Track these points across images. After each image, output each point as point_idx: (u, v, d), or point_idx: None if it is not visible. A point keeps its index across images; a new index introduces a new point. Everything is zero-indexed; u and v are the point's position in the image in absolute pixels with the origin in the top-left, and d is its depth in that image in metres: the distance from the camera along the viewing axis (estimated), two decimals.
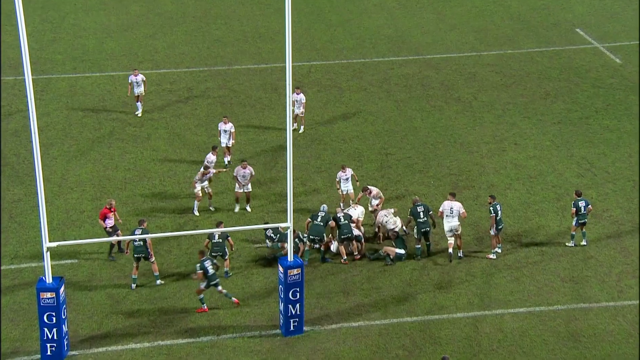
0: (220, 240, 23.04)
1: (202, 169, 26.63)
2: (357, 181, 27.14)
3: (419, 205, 24.45)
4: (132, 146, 30.90)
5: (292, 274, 20.58)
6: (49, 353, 19.82)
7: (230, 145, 29.46)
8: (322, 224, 24.03)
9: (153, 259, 22.70)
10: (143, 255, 22.51)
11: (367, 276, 23.55)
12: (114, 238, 23.50)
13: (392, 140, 31.93)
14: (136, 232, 22.65)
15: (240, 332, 21.13)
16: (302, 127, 32.39)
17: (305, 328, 21.17)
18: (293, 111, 31.56)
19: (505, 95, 35.58)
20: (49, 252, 19.61)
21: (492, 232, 24.10)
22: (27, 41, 18.38)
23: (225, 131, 29.31)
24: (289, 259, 20.69)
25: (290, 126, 20.12)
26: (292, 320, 20.91)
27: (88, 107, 34.13)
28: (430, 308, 22.20)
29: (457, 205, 24.17)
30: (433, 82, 37.08)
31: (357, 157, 30.54)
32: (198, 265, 21.63)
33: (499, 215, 23.93)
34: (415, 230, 24.37)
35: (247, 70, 38.43)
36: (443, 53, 40.38)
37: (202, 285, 21.63)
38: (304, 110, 32.09)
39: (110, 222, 23.90)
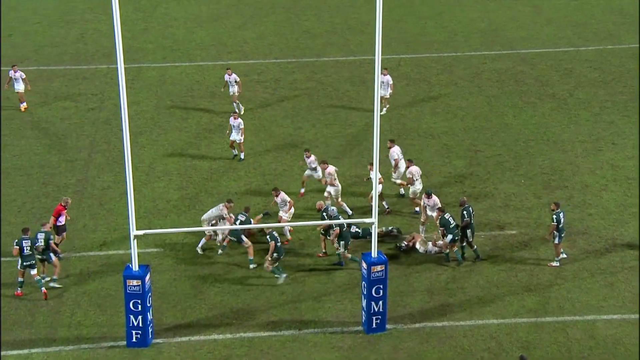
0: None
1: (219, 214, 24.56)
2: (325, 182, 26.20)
3: (469, 207, 23.81)
4: (218, 137, 31.41)
5: (375, 270, 20.56)
6: (134, 340, 20.39)
7: (240, 142, 29.15)
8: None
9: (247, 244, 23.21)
10: (236, 240, 23.07)
11: (452, 275, 23.34)
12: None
13: (482, 136, 31.51)
14: (239, 217, 23.34)
15: (322, 327, 21.26)
16: (384, 109, 32.61)
17: (387, 326, 21.13)
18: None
19: (603, 93, 34.63)
20: (136, 240, 20.17)
21: (556, 241, 23.37)
22: (120, 30, 18.90)
23: (234, 126, 29.13)
24: (372, 255, 20.68)
25: (378, 123, 20.01)
26: (374, 318, 20.91)
27: (176, 97, 34.88)
28: (517, 311, 21.85)
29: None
30: (527, 78, 36.41)
31: (446, 153, 30.27)
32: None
33: (562, 223, 23.22)
34: (469, 233, 23.60)
35: (335, 62, 38.53)
36: (538, 48, 39.60)
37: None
38: (391, 92, 32.44)
39: (62, 220, 23.93)
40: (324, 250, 23.97)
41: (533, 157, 29.85)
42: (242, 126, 29.23)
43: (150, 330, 20.55)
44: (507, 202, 27.04)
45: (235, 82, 32.56)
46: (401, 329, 21.22)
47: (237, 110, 31.97)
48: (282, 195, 24.98)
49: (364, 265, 20.71)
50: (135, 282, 19.98)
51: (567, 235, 24.54)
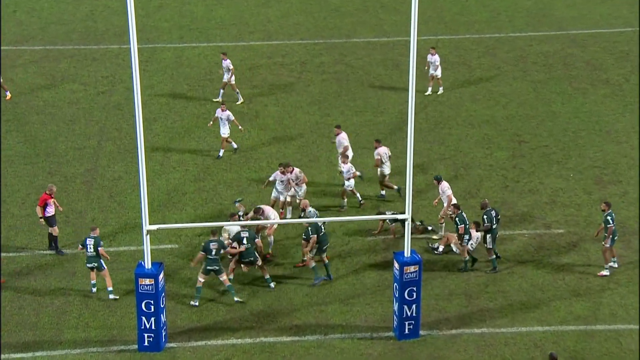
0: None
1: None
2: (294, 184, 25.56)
3: (491, 210, 23.49)
4: (239, 124, 31.45)
5: (408, 271, 20.52)
6: (146, 344, 20.53)
7: (226, 137, 28.76)
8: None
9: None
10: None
11: (492, 278, 23.25)
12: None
13: (526, 126, 31.32)
14: (242, 234, 22.51)
15: (350, 332, 21.28)
16: (440, 88, 33.29)
17: (421, 332, 21.10)
18: (427, 72, 33.11)
19: None
20: (149, 236, 20.28)
21: (607, 245, 23.04)
22: (134, 7, 18.96)
23: (222, 119, 28.71)
24: (405, 254, 20.63)
25: (412, 109, 19.91)
26: (407, 323, 20.88)
27: (194, 80, 35.01)
28: (565, 317, 21.72)
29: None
30: (577, 62, 36.13)
31: (486, 144, 30.13)
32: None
33: (614, 225, 22.87)
34: (489, 239, 23.32)
35: (366, 43, 38.45)
36: (590, 28, 39.26)
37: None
38: (440, 73, 33.03)
39: (50, 210, 23.96)
40: (304, 259, 23.37)
41: (583, 149, 29.62)
42: (231, 118, 28.76)
43: (163, 334, 20.67)
44: (554, 198, 26.87)
45: (229, 69, 32.21)
46: (436, 336, 21.17)
47: (221, 98, 32.04)
48: (296, 170, 25.18)
49: (396, 265, 20.67)
50: (147, 281, 20.11)
51: (621, 236, 24.33)
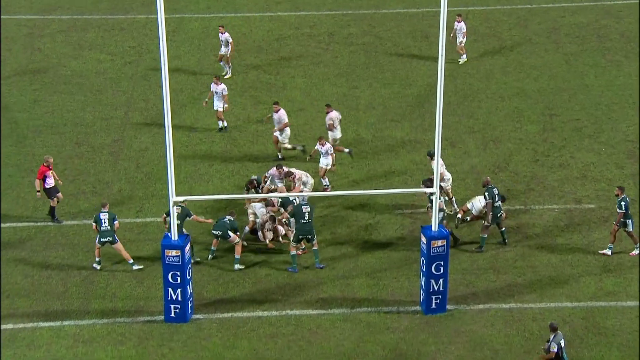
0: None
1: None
2: (333, 165, 25.55)
3: (493, 188, 23.15)
4: (265, 95, 31.44)
5: (435, 245, 20.45)
6: (172, 315, 20.67)
7: (223, 110, 28.49)
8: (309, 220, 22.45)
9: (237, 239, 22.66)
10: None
11: (520, 253, 23.13)
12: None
13: (558, 99, 31.01)
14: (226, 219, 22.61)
15: (376, 306, 21.29)
16: (463, 56, 33.07)
17: (448, 306, 21.07)
18: (454, 40, 32.99)
19: None
20: (175, 207, 20.35)
21: (629, 229, 22.72)
22: None
23: (217, 93, 28.40)
24: (433, 229, 20.55)
25: (441, 81, 19.70)
26: (434, 297, 20.85)
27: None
28: (594, 293, 21.58)
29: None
30: (611, 33, 35.63)
31: (517, 117, 29.88)
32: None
33: (628, 209, 22.61)
34: (490, 217, 22.93)
35: (395, 15, 38.15)
36: None
37: None
38: (464, 40, 32.88)
39: (50, 182, 24.00)
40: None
41: (616, 123, 29.29)
42: (225, 92, 28.47)
43: (189, 305, 20.80)
44: (585, 172, 26.62)
45: (228, 42, 31.90)
46: (463, 310, 21.14)
47: (225, 71, 31.84)
48: (327, 145, 25.28)
49: (424, 239, 20.61)
50: (174, 253, 20.20)
51: None
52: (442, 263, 20.61)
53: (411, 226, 24.13)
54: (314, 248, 22.67)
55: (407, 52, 34.65)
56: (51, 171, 24.18)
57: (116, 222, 22.39)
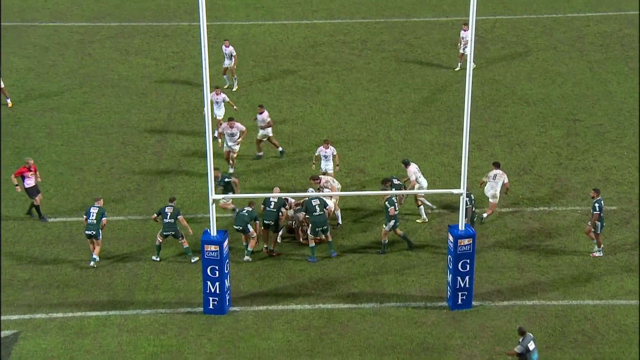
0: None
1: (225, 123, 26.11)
2: (337, 165, 25.28)
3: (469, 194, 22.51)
4: (301, 99, 31.44)
5: (462, 244, 20.33)
6: (211, 307, 20.74)
7: (220, 118, 27.78)
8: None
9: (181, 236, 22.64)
10: (172, 232, 22.49)
11: (544, 252, 22.91)
12: None
13: (582, 105, 30.66)
14: (166, 209, 22.59)
15: (404, 301, 21.20)
16: (470, 64, 32.36)
17: (473, 302, 20.93)
18: (460, 48, 32.82)
19: None
20: (214, 205, 20.42)
21: (598, 231, 22.35)
22: None
23: (217, 102, 27.96)
24: (460, 228, 20.42)
25: (469, 86, 19.60)
26: (460, 293, 20.73)
27: (259, 57, 35.00)
28: (615, 292, 21.31)
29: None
30: (634, 42, 35.19)
31: (541, 121, 29.59)
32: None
33: (602, 211, 22.25)
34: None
35: (425, 23, 37.97)
36: None
37: None
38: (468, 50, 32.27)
39: (30, 182, 23.96)
40: (266, 246, 23.00)
41: (638, 128, 28.89)
42: (227, 100, 28.13)
43: (227, 298, 20.86)
44: (607, 175, 26.30)
45: (232, 55, 31.38)
46: (488, 307, 20.97)
47: (230, 84, 31.52)
48: (332, 148, 25.14)
49: (451, 238, 20.48)
50: (213, 248, 20.27)
51: None
52: (468, 261, 20.47)
53: (438, 225, 24.00)
54: (329, 240, 22.69)
55: (436, 59, 34.46)
56: (32, 172, 24.15)
57: (104, 219, 22.41)
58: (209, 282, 20.53)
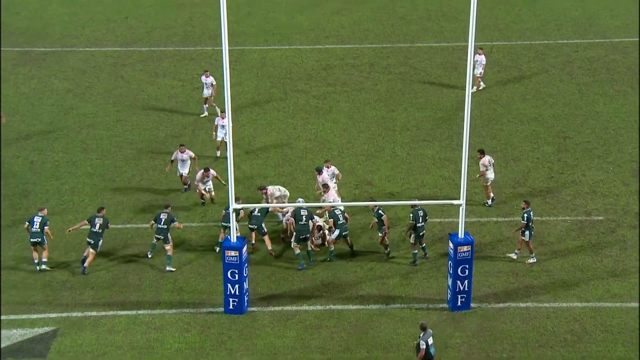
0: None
1: (201, 171, 25.31)
2: (336, 182, 24.82)
3: (419, 210, 22.29)
4: (314, 117, 31.50)
5: (462, 250, 20.29)
6: (231, 307, 20.75)
7: (224, 140, 27.43)
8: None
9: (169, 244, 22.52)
10: (162, 237, 22.38)
11: (537, 259, 22.79)
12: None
13: (571, 123, 30.60)
14: (161, 216, 22.43)
15: (408, 303, 21.15)
16: (481, 85, 32.74)
17: (472, 304, 20.87)
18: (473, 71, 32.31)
19: None
20: (235, 213, 20.45)
21: (526, 239, 22.21)
22: (226, 14, 19.07)
23: (221, 127, 27.69)
24: (459, 236, 20.38)
25: (468, 107, 19.62)
26: (459, 296, 20.67)
27: (275, 78, 35.10)
28: (602, 295, 21.21)
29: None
30: (619, 67, 35.11)
31: (534, 139, 29.53)
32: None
33: (531, 221, 22.13)
34: (413, 235, 22.27)
35: (428, 48, 38.01)
36: (632, 37, 38.07)
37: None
38: (482, 72, 32.39)
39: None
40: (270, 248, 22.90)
41: (622, 145, 28.81)
42: (231, 124, 27.84)
43: (246, 299, 20.86)
44: (595, 188, 26.21)
45: (212, 84, 31.04)
46: (485, 308, 20.91)
47: (206, 113, 31.10)
48: (333, 168, 24.84)
49: (451, 245, 20.45)
50: (233, 253, 20.30)
51: None
52: (467, 266, 20.42)
53: (440, 233, 23.96)
54: (330, 249, 22.72)
55: (438, 80, 34.47)
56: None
57: (46, 227, 22.29)
58: (229, 285, 20.55)
